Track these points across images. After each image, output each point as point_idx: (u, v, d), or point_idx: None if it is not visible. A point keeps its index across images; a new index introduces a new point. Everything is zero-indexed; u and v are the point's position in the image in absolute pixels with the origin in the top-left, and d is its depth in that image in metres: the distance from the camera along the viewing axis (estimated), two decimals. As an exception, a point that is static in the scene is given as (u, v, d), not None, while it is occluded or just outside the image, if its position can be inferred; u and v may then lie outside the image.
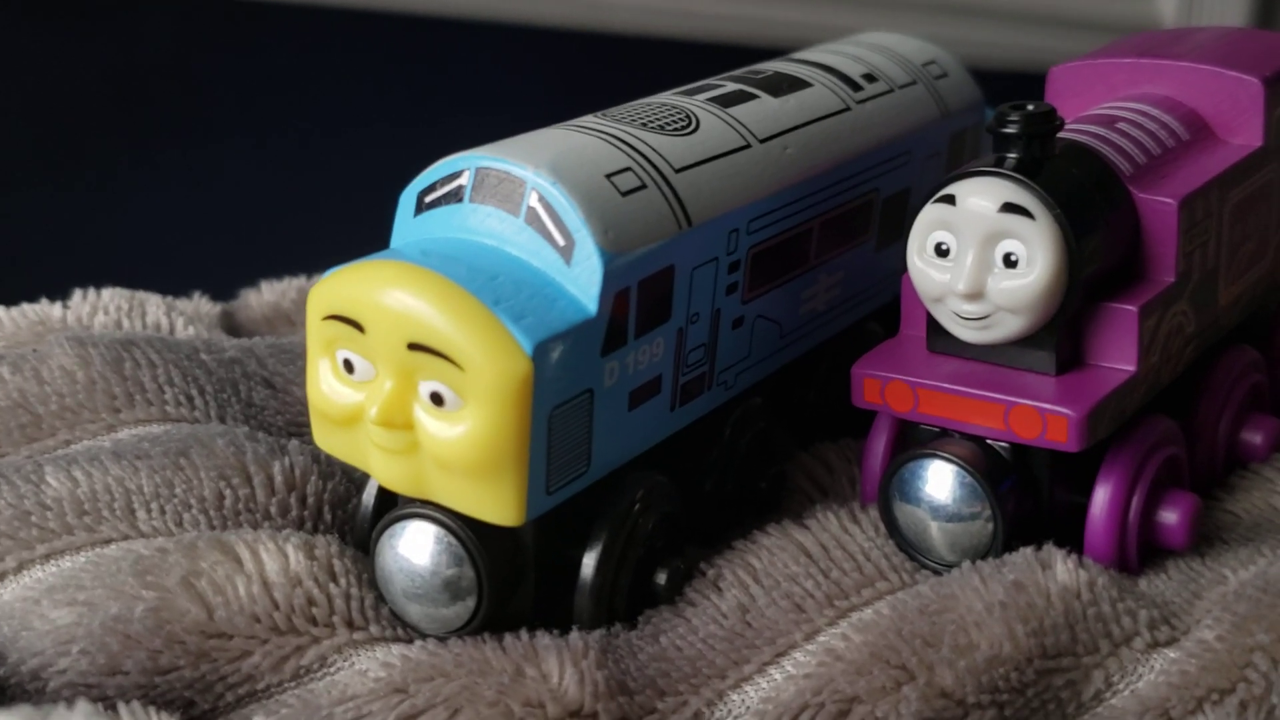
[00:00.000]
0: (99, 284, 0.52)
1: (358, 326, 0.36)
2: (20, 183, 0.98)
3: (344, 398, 0.37)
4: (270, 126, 1.01)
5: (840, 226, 0.45)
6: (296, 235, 0.95)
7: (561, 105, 1.08)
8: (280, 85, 1.02)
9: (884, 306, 0.49)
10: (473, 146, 0.39)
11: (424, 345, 0.35)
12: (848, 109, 0.46)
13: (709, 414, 0.42)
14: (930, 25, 1.14)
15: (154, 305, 0.51)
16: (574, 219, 0.36)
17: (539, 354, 0.35)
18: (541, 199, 0.37)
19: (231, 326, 0.54)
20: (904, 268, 0.40)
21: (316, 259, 0.62)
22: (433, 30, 1.02)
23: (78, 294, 0.51)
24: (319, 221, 0.98)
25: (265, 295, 0.55)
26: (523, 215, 0.37)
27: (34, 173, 0.98)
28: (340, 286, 0.36)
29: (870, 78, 0.48)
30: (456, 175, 0.38)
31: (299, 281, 0.56)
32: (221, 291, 0.57)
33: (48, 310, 0.50)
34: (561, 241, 0.37)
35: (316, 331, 0.37)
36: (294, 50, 1.02)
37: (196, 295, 0.54)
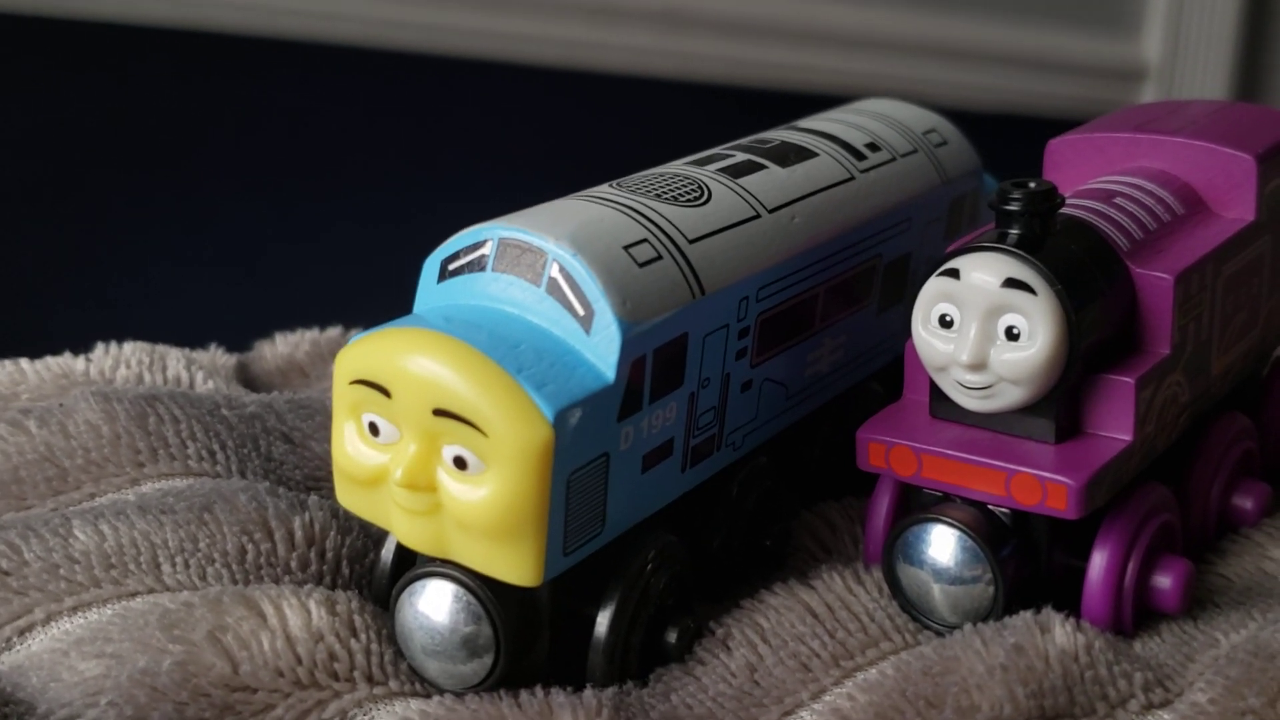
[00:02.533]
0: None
1: (384, 391, 0.37)
2: (20, 227, 0.99)
3: (369, 459, 0.38)
4: (272, 170, 1.02)
5: (844, 292, 0.47)
6: (303, 280, 0.96)
7: (563, 144, 1.09)
8: (283, 127, 1.03)
9: (885, 367, 0.50)
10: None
11: (449, 411, 0.36)
12: (852, 178, 0.47)
13: (717, 473, 0.44)
14: (920, 69, 1.16)
15: (174, 359, 0.52)
16: (594, 290, 0.38)
17: (560, 420, 0.36)
18: (562, 270, 0.38)
19: (246, 378, 0.55)
20: (904, 330, 0.41)
21: (325, 306, 0.64)
22: (437, 69, 1.04)
23: (99, 347, 0.52)
24: (327, 266, 0.99)
25: (279, 347, 0.57)
26: (544, 285, 0.38)
27: (32, 217, 0.99)
28: (367, 352, 0.37)
29: (873, 146, 0.49)
30: (479, 245, 0.39)
31: (311, 333, 0.57)
32: (224, 336, 0.57)
33: (71, 364, 0.51)
34: (581, 311, 0.38)
35: (343, 395, 0.38)
36: (300, 91, 1.03)
37: (213, 347, 0.55)
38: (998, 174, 0.54)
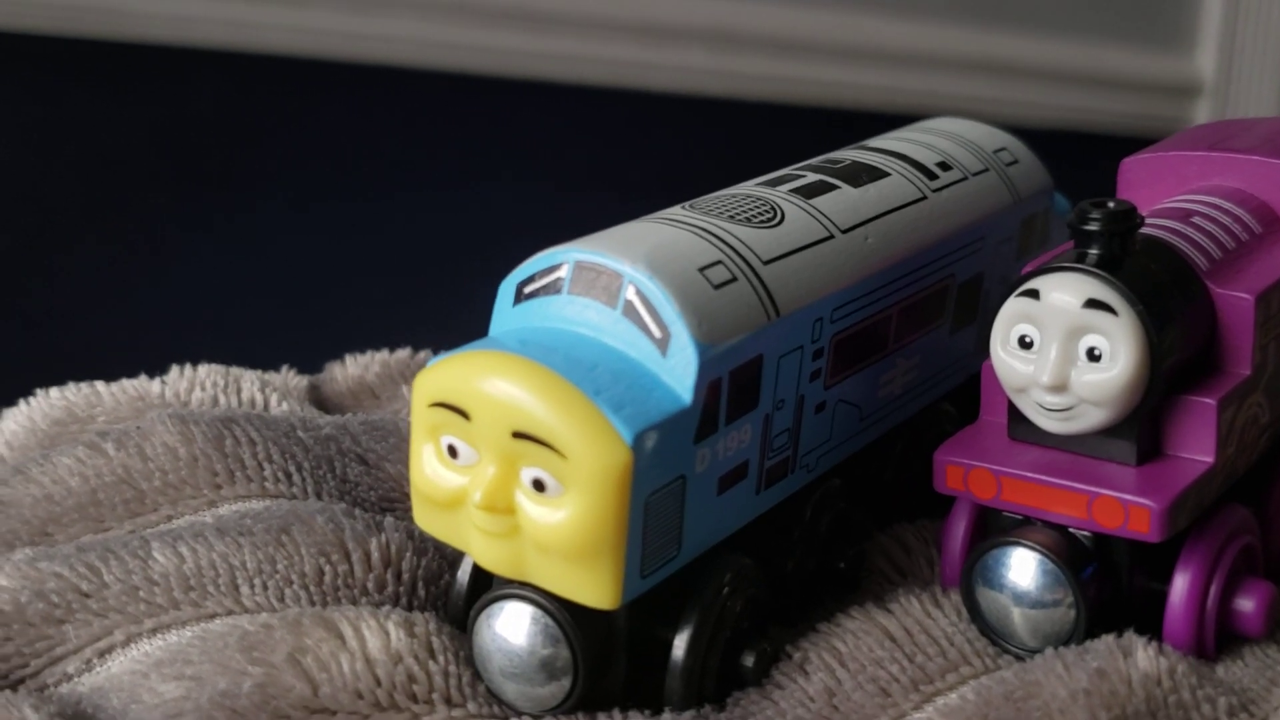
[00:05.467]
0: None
1: (463, 414, 0.37)
2: (92, 250, 1.00)
3: (447, 481, 0.38)
4: (332, 191, 1.03)
5: (917, 312, 0.47)
6: (370, 301, 0.97)
7: (616, 164, 1.09)
8: (343, 149, 1.04)
9: (957, 387, 0.50)
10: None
11: (528, 434, 0.36)
12: (924, 198, 0.47)
13: (791, 496, 0.43)
14: (974, 86, 1.15)
15: (248, 381, 0.52)
16: (670, 312, 0.38)
17: (638, 443, 0.36)
18: (639, 293, 0.38)
19: (318, 400, 0.56)
20: (977, 350, 0.41)
21: (392, 327, 0.64)
22: (492, 90, 1.04)
23: (174, 370, 0.52)
24: (393, 287, 0.99)
25: (350, 369, 0.57)
26: (620, 308, 0.38)
27: (103, 239, 1.00)
28: (446, 376, 0.37)
29: (945, 166, 0.49)
30: (555, 268, 0.39)
31: (381, 355, 0.58)
32: (292, 357, 0.58)
33: (146, 386, 0.52)
34: (658, 334, 0.38)
35: (422, 417, 0.38)
36: (360, 112, 1.04)
37: (285, 369, 0.55)
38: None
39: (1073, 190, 0.50)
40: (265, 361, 0.57)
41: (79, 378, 0.52)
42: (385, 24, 1.03)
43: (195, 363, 0.54)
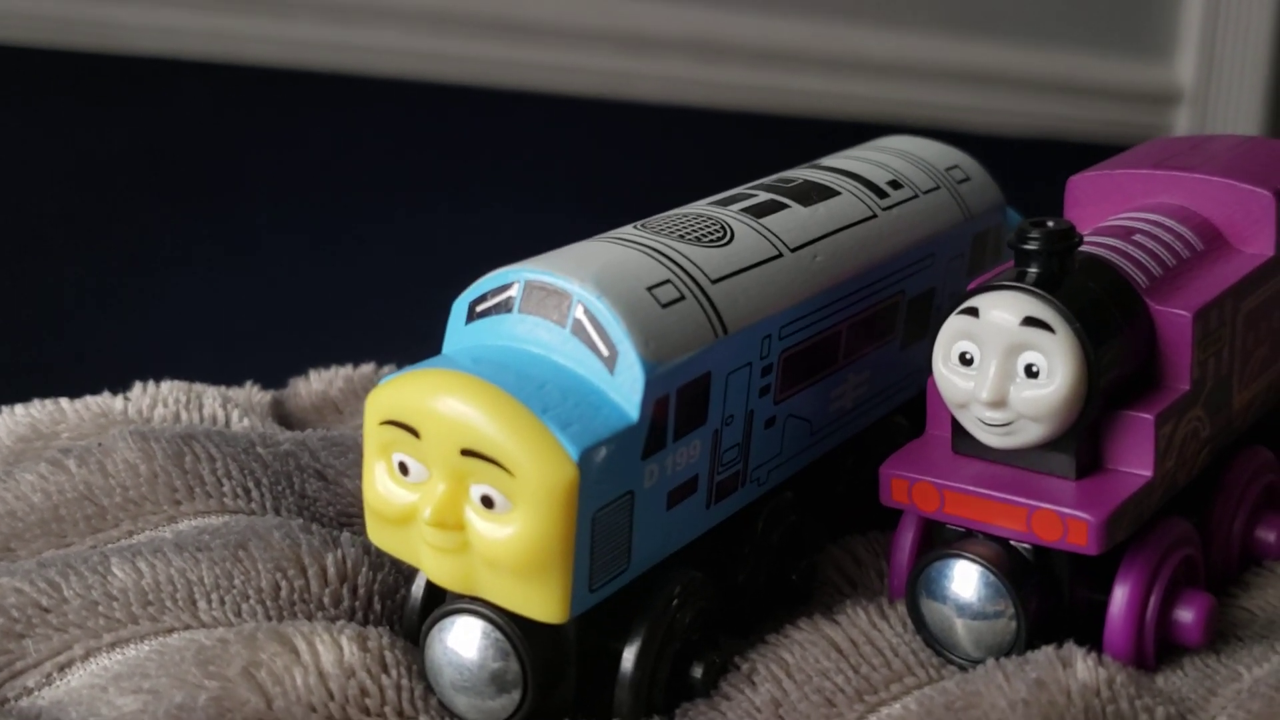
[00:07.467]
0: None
1: (413, 432, 0.38)
2: (59, 262, 1.00)
3: (399, 498, 0.39)
4: (306, 204, 1.04)
5: (867, 328, 0.47)
6: (337, 315, 0.98)
7: (597, 174, 1.10)
8: (317, 161, 1.04)
9: (909, 400, 0.51)
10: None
11: (476, 451, 0.37)
12: (874, 216, 0.48)
13: (742, 509, 0.44)
14: (953, 95, 1.16)
15: (210, 397, 0.53)
16: (617, 331, 0.39)
17: (584, 460, 0.37)
18: (587, 312, 0.39)
19: (282, 415, 0.56)
20: (928, 365, 0.42)
21: (359, 341, 0.65)
22: (471, 100, 1.05)
23: (138, 386, 0.53)
24: (360, 301, 1.00)
25: (314, 384, 0.58)
26: (569, 326, 0.39)
27: (71, 252, 1.00)
28: (397, 394, 0.38)
29: (896, 184, 0.50)
30: (507, 287, 0.40)
31: (345, 370, 0.58)
32: (258, 371, 0.59)
33: (109, 403, 0.52)
34: (605, 352, 0.39)
35: (374, 435, 0.39)
36: (335, 124, 1.05)
37: (249, 385, 0.56)
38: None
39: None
40: (240, 371, 0.57)
41: (51, 389, 0.53)
42: (369, 35, 1.04)
43: (171, 374, 0.54)
